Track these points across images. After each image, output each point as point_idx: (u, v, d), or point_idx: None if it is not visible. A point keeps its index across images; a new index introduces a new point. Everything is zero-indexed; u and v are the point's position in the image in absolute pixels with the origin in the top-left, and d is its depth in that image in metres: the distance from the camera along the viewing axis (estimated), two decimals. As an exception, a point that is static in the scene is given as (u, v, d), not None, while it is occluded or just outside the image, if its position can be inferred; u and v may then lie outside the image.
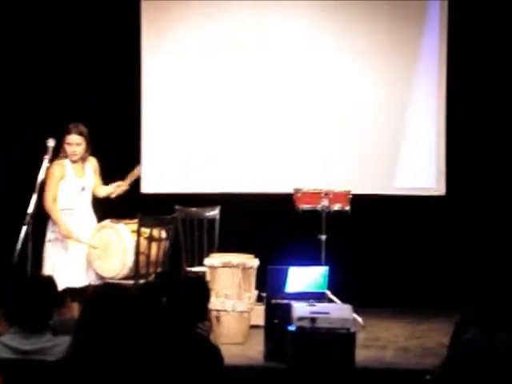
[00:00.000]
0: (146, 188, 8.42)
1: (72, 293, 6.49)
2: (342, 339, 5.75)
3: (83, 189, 6.93)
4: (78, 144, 6.88)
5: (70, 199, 6.88)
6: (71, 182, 6.89)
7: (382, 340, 6.96)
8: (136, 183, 8.39)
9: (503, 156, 8.22)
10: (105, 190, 7.07)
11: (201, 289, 4.32)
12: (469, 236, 8.16)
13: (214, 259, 6.98)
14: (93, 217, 7.03)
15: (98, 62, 8.43)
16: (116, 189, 7.08)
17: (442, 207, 8.23)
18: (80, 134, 6.87)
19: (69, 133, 6.86)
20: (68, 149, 6.87)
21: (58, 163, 6.88)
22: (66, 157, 6.89)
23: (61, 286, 5.66)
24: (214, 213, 7.91)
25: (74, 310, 6.27)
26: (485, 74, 8.18)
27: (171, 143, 8.51)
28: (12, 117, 8.43)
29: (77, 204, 6.91)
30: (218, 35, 8.44)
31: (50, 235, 6.86)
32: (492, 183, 8.21)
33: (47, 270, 6.70)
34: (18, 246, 6.40)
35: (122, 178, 7.14)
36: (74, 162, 6.91)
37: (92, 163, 7.02)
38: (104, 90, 8.40)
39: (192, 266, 7.59)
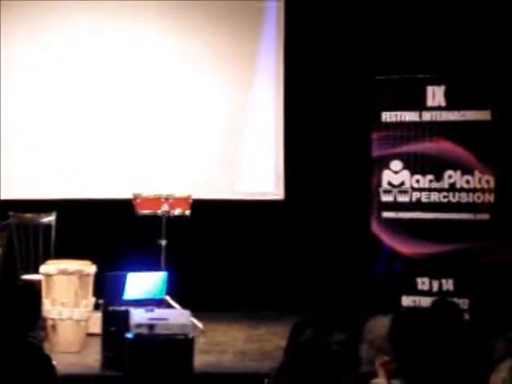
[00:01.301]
0: (-22, 194, 8.12)
1: None
2: (180, 345, 5.74)
3: None
4: None
5: None
6: None
7: (221, 344, 6.97)
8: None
9: (340, 158, 8.33)
10: None
11: (31, 297, 4.18)
12: (306, 238, 8.26)
13: (50, 266, 6.81)
14: None
15: None
16: None
17: (280, 211, 8.31)
18: None
19: None
20: None
21: None
22: None
23: None
24: (50, 219, 7.71)
25: None
26: (322, 75, 8.27)
27: (4, 147, 8.20)
28: None
29: None
30: (72, 37, 8.18)
31: None
32: (328, 186, 8.33)
33: None
34: None
35: None
36: None
37: None
38: None
39: (27, 273, 7.34)
